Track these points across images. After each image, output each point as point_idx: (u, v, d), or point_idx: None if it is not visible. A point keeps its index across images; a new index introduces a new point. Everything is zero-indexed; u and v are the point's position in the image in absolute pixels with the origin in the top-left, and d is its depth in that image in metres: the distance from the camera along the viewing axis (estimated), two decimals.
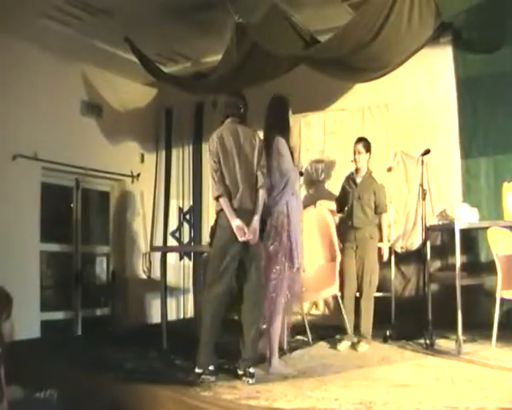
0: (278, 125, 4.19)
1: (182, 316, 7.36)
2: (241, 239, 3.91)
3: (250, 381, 3.79)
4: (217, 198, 3.98)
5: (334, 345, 4.87)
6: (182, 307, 7.47)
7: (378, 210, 5.00)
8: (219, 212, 3.99)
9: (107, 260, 7.29)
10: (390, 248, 5.31)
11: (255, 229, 3.97)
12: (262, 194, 4.04)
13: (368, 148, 5.02)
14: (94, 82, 6.88)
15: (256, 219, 3.99)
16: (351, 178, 5.10)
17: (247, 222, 3.94)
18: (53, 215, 6.61)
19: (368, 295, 4.86)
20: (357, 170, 5.07)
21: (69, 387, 3.43)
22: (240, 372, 3.89)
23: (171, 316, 7.09)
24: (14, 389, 2.78)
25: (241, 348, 4.00)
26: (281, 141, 4.12)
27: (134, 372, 4.12)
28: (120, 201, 7.44)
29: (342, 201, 5.15)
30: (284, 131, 4.18)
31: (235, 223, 3.90)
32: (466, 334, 4.51)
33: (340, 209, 5.26)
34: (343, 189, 5.18)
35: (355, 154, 5.04)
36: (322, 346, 4.93)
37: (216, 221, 4.05)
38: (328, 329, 5.26)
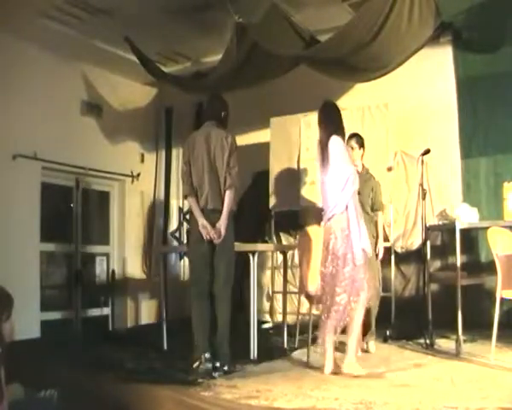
0: (333, 126, 4.18)
1: (181, 316, 7.36)
2: (205, 237, 4.12)
3: (214, 374, 3.93)
4: (185, 197, 4.21)
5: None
6: (181, 307, 7.47)
7: (374, 207, 4.92)
8: (191, 213, 4.22)
9: (107, 260, 7.29)
10: (388, 248, 5.25)
11: (219, 228, 4.13)
12: (229, 194, 4.19)
13: (361, 143, 4.91)
14: (94, 82, 6.88)
15: (222, 219, 4.14)
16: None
17: (215, 221, 4.13)
18: (53, 215, 6.60)
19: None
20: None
21: (69, 387, 3.43)
22: (216, 364, 4.03)
23: (171, 316, 7.09)
24: (15, 388, 2.78)
25: (216, 342, 4.14)
26: (335, 139, 4.08)
27: (134, 372, 4.13)
28: (120, 201, 7.44)
29: None
30: (339, 130, 4.17)
31: (200, 222, 4.12)
32: (466, 334, 4.51)
33: None
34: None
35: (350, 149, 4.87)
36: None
37: (191, 221, 4.31)
38: None
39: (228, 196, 4.18)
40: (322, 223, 4.15)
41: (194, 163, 4.24)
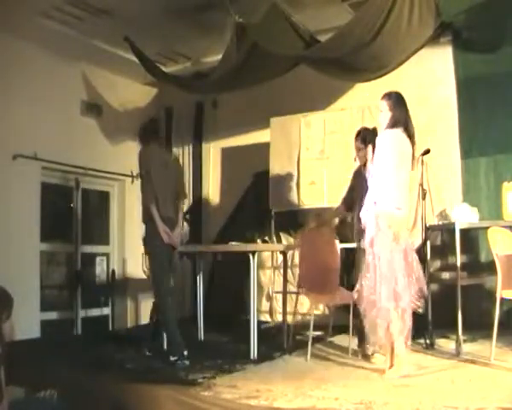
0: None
1: (181, 316, 7.37)
2: (166, 242, 4.57)
3: (186, 362, 4.31)
4: (147, 207, 4.59)
5: (333, 345, 4.87)
6: (182, 307, 7.48)
7: None
8: (149, 221, 4.59)
9: (107, 260, 7.28)
10: None
11: (179, 234, 4.77)
12: (182, 203, 4.98)
13: (368, 141, 4.49)
14: (94, 82, 6.88)
15: (179, 225, 4.80)
16: (358, 174, 4.72)
17: (171, 228, 4.63)
18: (53, 215, 6.60)
19: None
20: (364, 164, 4.54)
21: (69, 387, 3.43)
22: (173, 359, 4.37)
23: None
24: (14, 389, 2.78)
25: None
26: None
27: (134, 372, 4.13)
28: (120, 201, 7.43)
29: (350, 194, 4.79)
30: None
31: (163, 228, 4.56)
32: (466, 334, 4.50)
33: (349, 208, 4.86)
34: (351, 186, 4.84)
35: (355, 150, 4.67)
36: (322, 345, 4.93)
37: (149, 229, 4.65)
38: (327, 329, 5.24)
39: (181, 205, 4.94)
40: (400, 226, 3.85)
41: (154, 176, 4.63)
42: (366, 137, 4.60)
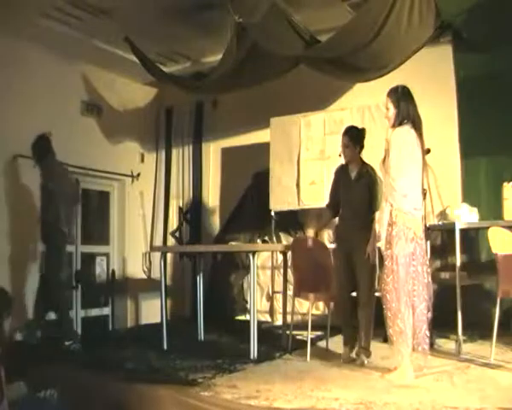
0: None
1: (181, 316, 7.37)
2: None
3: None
4: (50, 222, 5.29)
5: (333, 345, 4.87)
6: (181, 307, 7.48)
7: (372, 208, 4.40)
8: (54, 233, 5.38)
9: (107, 260, 7.28)
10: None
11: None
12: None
13: (356, 140, 4.48)
14: (94, 82, 6.89)
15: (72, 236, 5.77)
16: (341, 173, 4.59)
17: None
18: None
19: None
20: (348, 163, 4.55)
21: (69, 387, 3.43)
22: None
23: (171, 316, 7.08)
24: (18, 386, 2.78)
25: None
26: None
27: (134, 372, 4.13)
28: (120, 201, 7.43)
29: (335, 198, 4.64)
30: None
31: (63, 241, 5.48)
32: (466, 334, 4.51)
33: (336, 213, 4.70)
34: (334, 188, 4.67)
35: (342, 147, 4.52)
36: (322, 345, 4.93)
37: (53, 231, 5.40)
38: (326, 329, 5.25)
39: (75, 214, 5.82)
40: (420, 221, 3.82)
41: (57, 192, 5.33)
42: (354, 135, 4.53)
